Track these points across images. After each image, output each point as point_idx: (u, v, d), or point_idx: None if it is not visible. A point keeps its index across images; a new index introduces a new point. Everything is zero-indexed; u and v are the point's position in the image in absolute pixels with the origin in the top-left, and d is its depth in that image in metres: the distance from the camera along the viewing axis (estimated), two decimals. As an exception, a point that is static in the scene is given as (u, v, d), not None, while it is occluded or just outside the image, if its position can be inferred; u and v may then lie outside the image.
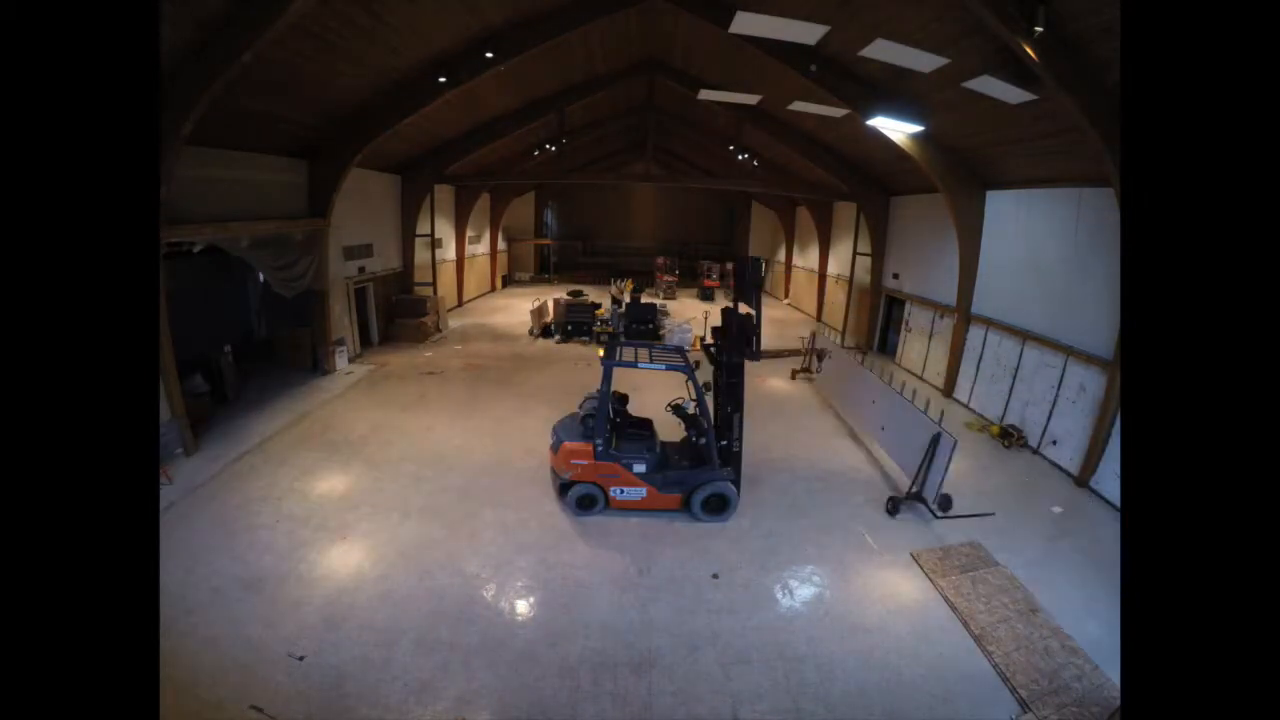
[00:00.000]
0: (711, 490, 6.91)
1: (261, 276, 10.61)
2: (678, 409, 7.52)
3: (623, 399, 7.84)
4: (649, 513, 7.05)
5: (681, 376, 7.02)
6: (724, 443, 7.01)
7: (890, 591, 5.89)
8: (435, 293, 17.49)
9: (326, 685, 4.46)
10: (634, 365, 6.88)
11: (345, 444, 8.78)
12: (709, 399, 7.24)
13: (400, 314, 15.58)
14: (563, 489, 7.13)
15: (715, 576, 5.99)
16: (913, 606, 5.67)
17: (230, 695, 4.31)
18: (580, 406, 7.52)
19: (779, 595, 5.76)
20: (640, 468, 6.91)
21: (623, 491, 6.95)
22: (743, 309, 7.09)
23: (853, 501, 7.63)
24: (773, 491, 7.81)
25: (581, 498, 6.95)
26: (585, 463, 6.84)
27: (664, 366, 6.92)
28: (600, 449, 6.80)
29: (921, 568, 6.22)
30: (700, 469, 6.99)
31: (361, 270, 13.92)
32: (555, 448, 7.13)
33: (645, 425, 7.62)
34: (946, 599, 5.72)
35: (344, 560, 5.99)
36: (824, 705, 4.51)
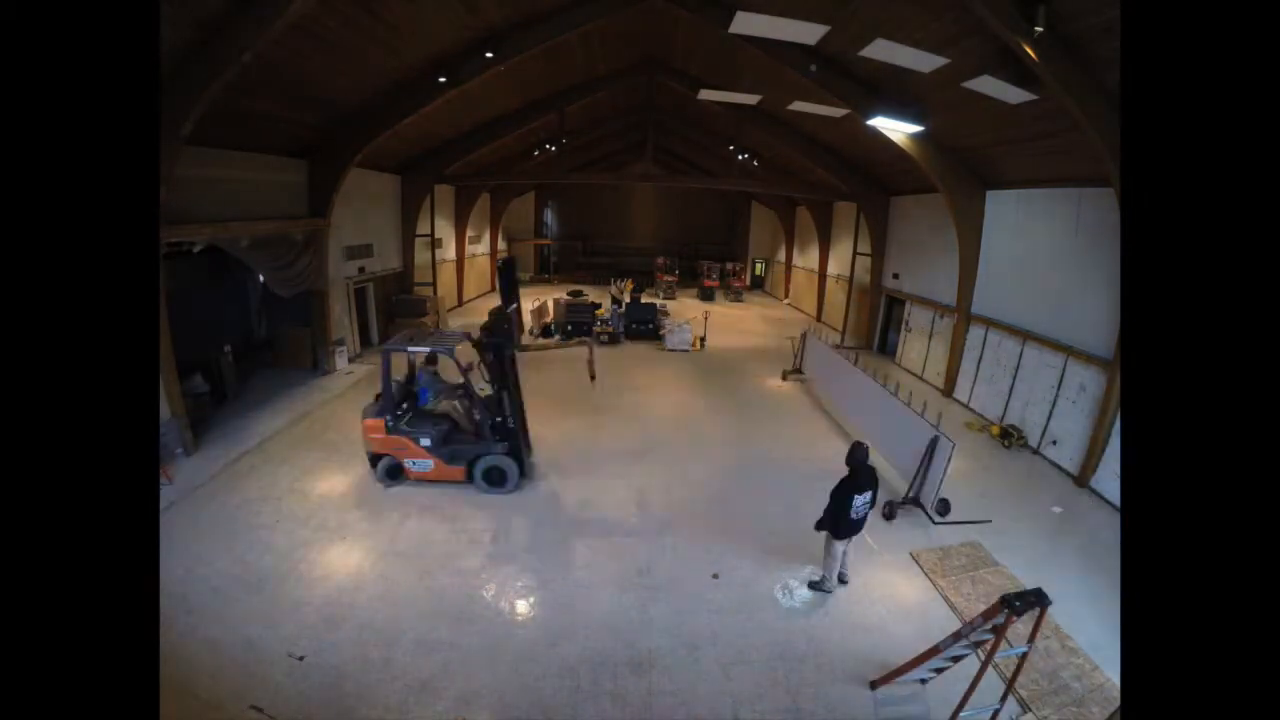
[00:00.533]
0: (490, 463, 7.42)
1: (261, 277, 10.62)
2: (465, 392, 7.98)
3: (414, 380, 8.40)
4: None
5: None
6: (498, 419, 7.47)
7: (890, 591, 5.89)
8: (435, 293, 17.49)
9: (326, 685, 4.46)
10: (405, 350, 7.59)
11: (345, 444, 8.77)
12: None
13: (400, 314, 15.57)
14: (372, 461, 7.64)
15: (715, 576, 5.99)
16: (913, 606, 5.67)
17: (230, 695, 4.31)
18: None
19: (779, 595, 5.76)
20: (426, 441, 7.39)
21: (414, 463, 7.48)
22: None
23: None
24: (772, 492, 7.81)
25: (390, 468, 7.54)
26: (379, 437, 7.38)
27: (427, 349, 7.73)
28: (390, 424, 7.34)
29: (921, 568, 6.22)
30: (479, 443, 7.52)
31: (361, 270, 13.92)
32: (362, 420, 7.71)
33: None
34: (946, 599, 5.73)
35: (344, 560, 5.99)
36: (824, 705, 4.51)
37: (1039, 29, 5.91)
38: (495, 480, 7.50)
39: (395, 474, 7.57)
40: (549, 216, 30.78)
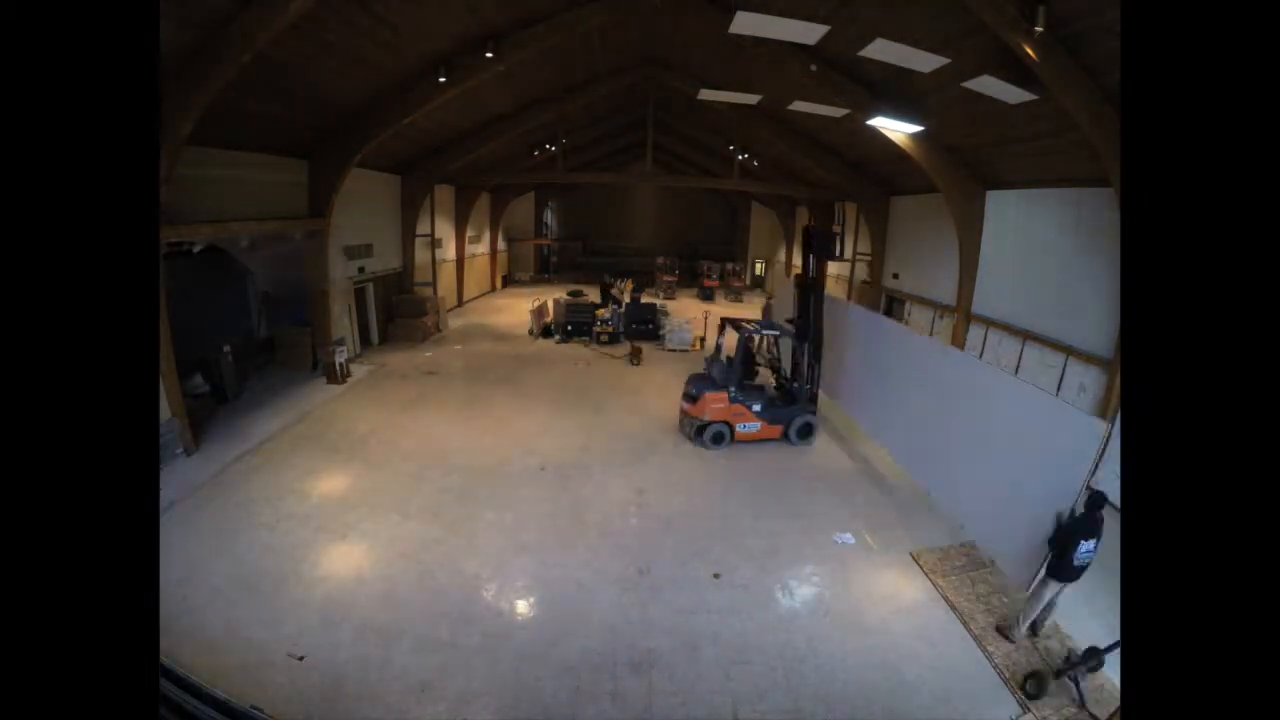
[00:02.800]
0: (803, 421, 9.31)
1: (260, 278, 10.64)
2: (775, 367, 10.31)
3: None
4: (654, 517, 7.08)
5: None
6: (809, 387, 9.47)
7: (890, 591, 5.89)
8: (435, 293, 17.49)
9: (326, 685, 4.46)
10: (758, 332, 9.49)
11: (345, 444, 8.77)
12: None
13: (400, 314, 15.57)
14: (698, 431, 9.09)
15: (716, 576, 5.98)
16: (913, 606, 5.67)
17: (230, 695, 4.30)
18: (707, 365, 9.85)
19: (779, 595, 5.76)
20: (757, 408, 9.21)
21: (745, 426, 9.17)
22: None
23: (853, 501, 7.62)
24: (773, 492, 7.80)
25: (716, 434, 9.05)
26: (721, 406, 9.05)
27: (776, 333, 9.83)
28: (733, 395, 9.08)
29: (921, 568, 6.22)
30: (793, 407, 9.41)
31: (361, 270, 13.91)
32: (695, 398, 9.18)
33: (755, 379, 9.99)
34: (946, 599, 5.72)
35: (344, 560, 5.99)
36: (824, 705, 4.51)
37: (1039, 29, 5.91)
38: (805, 434, 9.32)
39: (720, 439, 9.04)
40: (549, 216, 30.78)
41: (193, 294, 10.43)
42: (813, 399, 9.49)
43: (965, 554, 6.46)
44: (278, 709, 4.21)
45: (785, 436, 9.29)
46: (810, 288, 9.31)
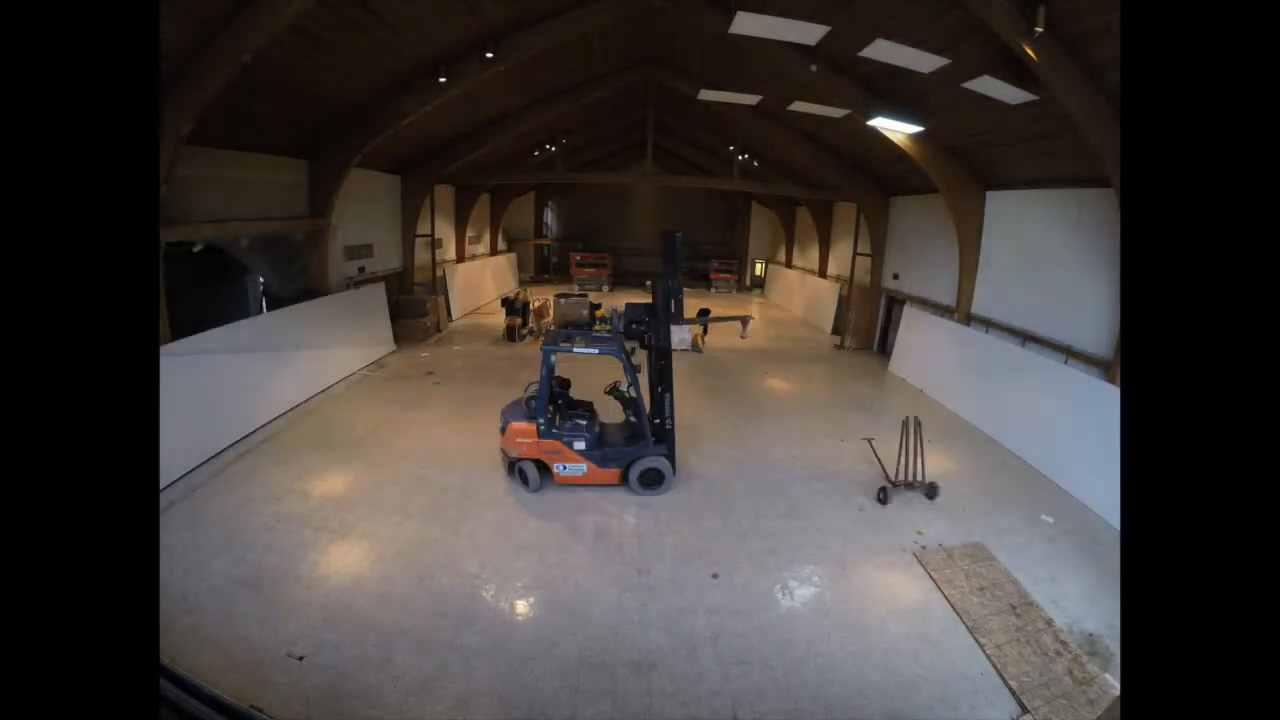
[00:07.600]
0: (647, 465, 7.35)
1: (261, 278, 10.65)
2: (615, 391, 7.92)
3: (565, 384, 7.97)
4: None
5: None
6: (657, 421, 7.45)
7: (890, 592, 5.89)
8: (440, 292, 17.50)
9: (326, 685, 4.46)
10: (570, 350, 7.34)
11: (345, 444, 8.77)
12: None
13: (400, 314, 15.58)
14: (510, 466, 7.56)
15: (715, 576, 5.98)
16: (913, 607, 5.67)
17: (230, 695, 4.30)
18: (526, 391, 7.81)
19: (779, 595, 5.76)
20: (580, 445, 7.30)
21: (565, 468, 7.37)
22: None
23: (853, 502, 7.62)
24: (773, 491, 7.80)
25: (523, 474, 7.39)
26: (530, 441, 7.25)
27: (597, 350, 7.40)
28: (543, 428, 7.19)
29: (924, 567, 6.22)
30: (636, 446, 7.43)
31: (361, 270, 13.92)
32: (503, 429, 7.44)
33: (586, 407, 7.92)
34: (947, 599, 5.72)
35: (344, 560, 5.99)
36: (824, 705, 4.51)
37: (1039, 29, 5.91)
38: (651, 482, 7.42)
39: (526, 479, 7.37)
40: (549, 216, 30.78)
41: (193, 294, 10.42)
42: (662, 437, 7.40)
43: (967, 554, 6.46)
44: (278, 709, 4.22)
45: (624, 482, 7.42)
46: (669, 292, 7.25)
